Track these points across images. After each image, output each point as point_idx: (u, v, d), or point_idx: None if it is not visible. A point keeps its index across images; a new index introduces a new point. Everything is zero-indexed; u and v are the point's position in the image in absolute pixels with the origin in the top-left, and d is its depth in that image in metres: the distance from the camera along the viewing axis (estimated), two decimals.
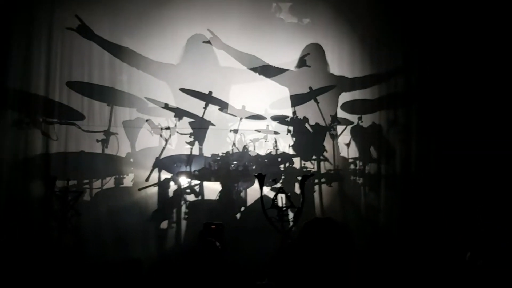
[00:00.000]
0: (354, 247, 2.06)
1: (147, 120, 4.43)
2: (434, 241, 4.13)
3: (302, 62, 4.73)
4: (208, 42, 4.66)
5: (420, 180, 4.51)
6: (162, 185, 4.18)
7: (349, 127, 4.62)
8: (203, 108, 4.28)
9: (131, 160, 4.38)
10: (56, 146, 4.17)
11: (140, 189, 4.17)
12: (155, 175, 4.20)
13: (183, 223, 4.08)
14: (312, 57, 4.72)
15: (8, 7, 4.21)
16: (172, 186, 4.19)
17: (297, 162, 4.40)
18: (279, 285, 2.07)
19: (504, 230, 3.64)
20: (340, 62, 4.80)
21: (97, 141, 4.25)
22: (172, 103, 4.47)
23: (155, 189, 4.18)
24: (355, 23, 4.76)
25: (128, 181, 4.31)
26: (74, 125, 4.26)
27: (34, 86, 4.18)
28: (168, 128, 4.29)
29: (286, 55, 4.76)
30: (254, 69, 4.70)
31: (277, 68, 4.72)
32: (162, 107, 4.33)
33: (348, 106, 4.68)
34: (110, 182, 4.26)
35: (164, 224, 4.12)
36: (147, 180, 4.17)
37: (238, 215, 4.20)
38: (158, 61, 4.64)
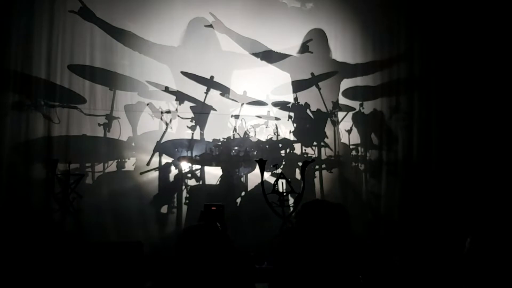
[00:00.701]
0: (349, 227, 2.09)
1: (148, 104, 4.41)
2: (434, 227, 4.15)
3: (304, 48, 4.70)
4: (210, 26, 4.63)
5: (422, 167, 4.53)
6: (163, 169, 4.20)
7: (350, 114, 4.61)
8: (205, 93, 4.27)
9: (133, 144, 4.39)
10: (58, 129, 4.17)
11: (141, 173, 4.20)
12: (156, 159, 4.21)
13: (184, 207, 4.10)
14: (315, 43, 4.70)
15: None
16: (173, 171, 4.21)
17: (298, 148, 4.40)
18: (278, 268, 2.10)
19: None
20: (342, 48, 4.78)
21: (99, 125, 4.26)
22: (173, 87, 4.46)
23: (156, 173, 4.20)
24: (358, 8, 4.73)
25: (129, 165, 4.33)
26: (76, 109, 4.26)
27: (35, 69, 4.17)
28: (168, 111, 4.28)
29: (289, 40, 4.73)
30: (256, 54, 4.67)
31: (279, 53, 4.70)
32: (163, 90, 4.32)
33: (350, 93, 4.67)
34: (112, 166, 4.28)
35: (164, 209, 4.15)
36: (148, 164, 4.19)
37: (238, 200, 4.22)
38: (160, 43, 4.61)
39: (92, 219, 3.86)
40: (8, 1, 4.16)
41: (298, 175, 4.22)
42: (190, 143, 4.20)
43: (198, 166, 4.25)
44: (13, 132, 4.04)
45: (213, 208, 2.79)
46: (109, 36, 4.45)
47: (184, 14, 4.69)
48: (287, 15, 4.81)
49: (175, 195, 4.13)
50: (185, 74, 4.31)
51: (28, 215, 3.79)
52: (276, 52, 4.69)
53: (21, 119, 4.07)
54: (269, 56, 4.67)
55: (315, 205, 2.10)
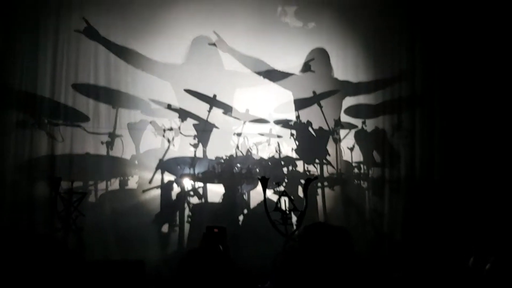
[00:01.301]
0: (352, 250, 2.07)
1: (150, 122, 4.44)
2: (438, 246, 4.12)
3: (306, 67, 4.74)
4: (214, 44, 4.68)
5: (424, 184, 4.52)
6: (165, 187, 4.20)
7: (352, 131, 4.62)
8: (208, 111, 4.30)
9: (136, 162, 4.41)
10: (62, 147, 4.20)
11: (143, 191, 4.21)
12: (158, 176, 4.22)
13: (186, 226, 4.09)
14: (317, 61, 4.74)
15: (15, 9, 4.25)
16: (175, 189, 4.21)
17: (300, 166, 4.40)
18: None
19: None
20: (344, 67, 4.81)
21: (102, 143, 4.28)
22: (176, 104, 4.48)
23: (158, 191, 4.21)
24: (359, 28, 4.77)
25: (132, 183, 4.34)
26: (79, 127, 4.29)
27: (40, 87, 4.22)
28: (171, 129, 4.31)
29: (291, 59, 4.76)
30: (258, 73, 4.71)
31: (282, 72, 4.73)
32: (166, 108, 4.34)
33: (352, 110, 4.69)
34: (115, 184, 4.29)
35: (166, 227, 4.14)
36: (150, 182, 4.20)
37: (241, 218, 4.21)
38: (163, 61, 4.66)
39: (94, 237, 3.86)
40: (14, 21, 4.23)
41: (300, 193, 4.21)
42: (192, 161, 4.21)
43: (201, 184, 4.24)
44: (17, 150, 4.07)
45: (215, 230, 2.79)
46: (112, 55, 4.50)
47: (188, 32, 4.74)
48: (290, 34, 4.85)
49: (177, 213, 4.13)
50: (188, 92, 4.34)
51: (31, 233, 3.78)
52: (279, 70, 4.73)
53: (25, 137, 4.11)
54: (272, 75, 4.70)
55: (317, 228, 2.08)
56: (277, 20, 4.90)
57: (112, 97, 4.40)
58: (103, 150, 4.29)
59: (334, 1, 4.84)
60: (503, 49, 4.58)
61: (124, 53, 4.52)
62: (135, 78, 4.56)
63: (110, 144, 4.29)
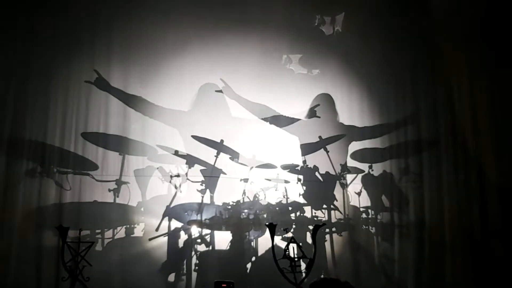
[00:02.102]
0: None
1: (157, 168, 4.45)
2: None
3: (312, 113, 4.80)
4: (220, 91, 4.76)
5: (434, 228, 4.46)
6: (172, 234, 4.15)
7: (359, 176, 4.61)
8: (215, 156, 4.32)
9: (142, 209, 4.37)
10: (70, 195, 4.21)
11: (150, 239, 4.15)
12: (165, 223, 4.18)
13: (194, 274, 4.03)
14: (322, 107, 4.80)
15: (27, 59, 4.37)
16: (183, 236, 4.17)
17: (308, 211, 4.37)
18: None
19: None
20: (349, 112, 4.86)
21: (109, 190, 4.29)
22: (183, 150, 4.51)
23: (165, 239, 4.15)
24: (363, 73, 4.85)
25: (139, 230, 4.30)
26: (88, 175, 4.31)
27: (49, 137, 4.28)
28: (178, 175, 4.31)
29: (296, 105, 4.84)
30: (265, 119, 4.77)
31: (288, 117, 4.79)
32: (173, 154, 4.37)
33: (359, 155, 4.70)
34: (121, 232, 4.25)
35: (172, 277, 4.06)
36: (157, 229, 4.15)
37: (249, 265, 4.15)
38: (170, 108, 4.72)
39: (100, 287, 3.79)
40: (25, 70, 4.34)
41: (308, 239, 4.17)
42: (200, 207, 4.18)
43: (208, 231, 4.21)
44: (25, 199, 4.08)
45: (223, 285, 2.76)
46: (121, 103, 4.58)
47: (195, 80, 4.85)
48: (294, 81, 4.94)
49: (185, 262, 4.07)
50: (195, 138, 4.38)
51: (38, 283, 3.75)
52: (285, 116, 4.78)
53: (33, 186, 4.13)
54: (278, 121, 4.76)
55: (324, 285, 2.06)
56: (282, 67, 5.01)
57: (120, 144, 4.43)
58: (110, 198, 4.28)
59: (338, 49, 4.95)
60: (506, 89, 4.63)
61: (133, 101, 4.60)
62: (143, 125, 4.61)
63: (116, 191, 4.29)
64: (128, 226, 4.25)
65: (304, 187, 4.44)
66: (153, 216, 4.26)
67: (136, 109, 4.61)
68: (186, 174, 4.32)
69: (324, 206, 4.40)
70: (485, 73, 4.67)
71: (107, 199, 4.28)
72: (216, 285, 2.84)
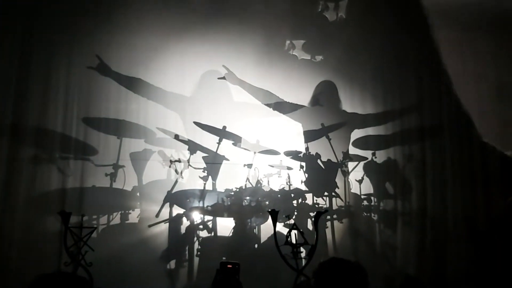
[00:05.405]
0: (367, 285, 2.04)
1: (158, 152, 4.39)
2: (454, 280, 4.04)
3: (315, 101, 4.76)
4: (223, 78, 4.72)
5: (437, 216, 4.45)
6: (174, 221, 4.08)
7: (361, 164, 4.58)
8: (217, 143, 4.27)
9: (138, 194, 4.30)
10: (72, 181, 4.19)
11: (150, 226, 4.08)
12: (165, 210, 4.11)
13: (196, 260, 4.02)
14: (325, 94, 4.77)
15: (28, 45, 4.34)
16: (185, 222, 4.12)
17: (309, 198, 4.36)
18: None
19: None
20: (352, 99, 4.82)
21: (106, 175, 4.24)
22: (183, 135, 4.47)
23: (164, 226, 4.08)
24: (366, 60, 4.80)
25: (134, 216, 4.22)
26: (88, 160, 4.28)
27: (51, 122, 4.26)
28: (179, 160, 4.26)
29: (299, 91, 4.80)
30: (268, 105, 4.73)
31: (291, 104, 4.75)
32: (173, 138, 4.31)
33: (362, 142, 4.66)
34: (116, 218, 4.19)
35: (173, 263, 4.01)
36: (157, 216, 4.08)
37: (251, 252, 4.15)
38: (172, 91, 4.67)
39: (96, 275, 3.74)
40: (27, 56, 4.31)
41: (309, 226, 4.16)
42: (202, 193, 4.15)
43: (210, 217, 4.19)
44: (29, 185, 4.06)
45: (229, 266, 2.76)
46: (123, 88, 4.53)
47: (197, 66, 4.81)
48: (298, 66, 4.90)
49: (187, 248, 4.05)
50: (197, 124, 4.35)
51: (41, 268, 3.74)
52: (288, 102, 4.75)
53: (36, 172, 4.12)
54: (281, 107, 4.73)
55: (333, 265, 2.05)
56: (286, 53, 4.96)
57: (119, 128, 4.38)
58: (107, 183, 4.23)
59: (341, 35, 4.90)
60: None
61: (134, 84, 4.54)
62: (142, 106, 4.55)
63: (113, 176, 4.23)
64: (122, 212, 4.17)
65: (306, 174, 4.42)
66: (150, 202, 4.18)
67: (137, 92, 4.55)
68: (188, 160, 4.27)
69: (326, 193, 4.38)
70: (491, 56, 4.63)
71: (105, 184, 4.23)
72: (221, 265, 2.84)
